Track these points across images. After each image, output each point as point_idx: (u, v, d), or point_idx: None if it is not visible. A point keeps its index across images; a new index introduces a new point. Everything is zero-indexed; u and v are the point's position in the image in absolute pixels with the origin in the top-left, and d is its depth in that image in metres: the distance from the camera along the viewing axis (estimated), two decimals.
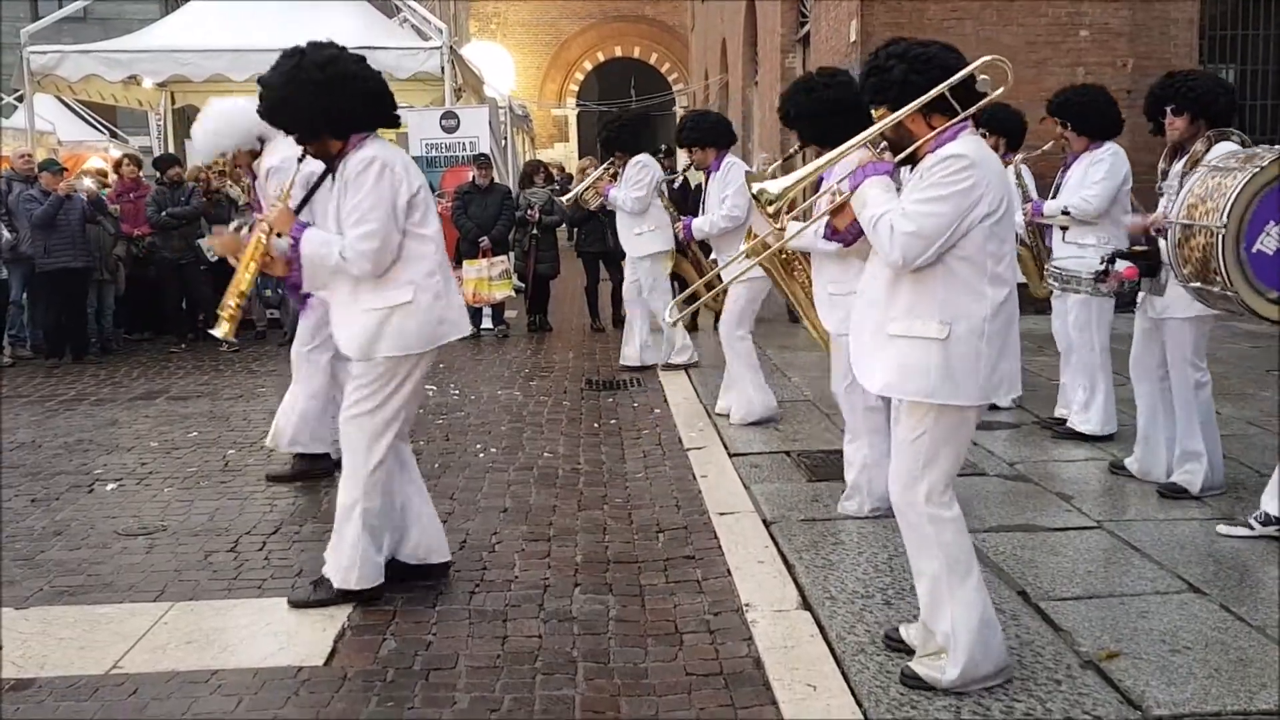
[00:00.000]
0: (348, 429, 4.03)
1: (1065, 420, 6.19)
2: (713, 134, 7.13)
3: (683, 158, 9.10)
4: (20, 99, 14.04)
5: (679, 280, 9.18)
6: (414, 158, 7.97)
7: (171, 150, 12.95)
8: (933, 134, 3.15)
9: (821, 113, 4.68)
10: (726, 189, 6.84)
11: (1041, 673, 3.36)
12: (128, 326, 11.10)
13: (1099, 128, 5.82)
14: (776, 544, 4.61)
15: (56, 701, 3.41)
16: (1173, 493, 5.00)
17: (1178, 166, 4.76)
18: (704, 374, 8.15)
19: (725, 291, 6.79)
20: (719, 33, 22.99)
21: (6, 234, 9.47)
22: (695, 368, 8.47)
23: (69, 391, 8.50)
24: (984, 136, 5.92)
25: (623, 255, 9.02)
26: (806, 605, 3.98)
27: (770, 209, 3.26)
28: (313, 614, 4.03)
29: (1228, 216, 3.82)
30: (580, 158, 19.56)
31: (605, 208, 9.10)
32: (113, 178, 11.97)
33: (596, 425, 6.99)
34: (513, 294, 10.98)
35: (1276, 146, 4.17)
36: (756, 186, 3.26)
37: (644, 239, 8.43)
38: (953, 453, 3.21)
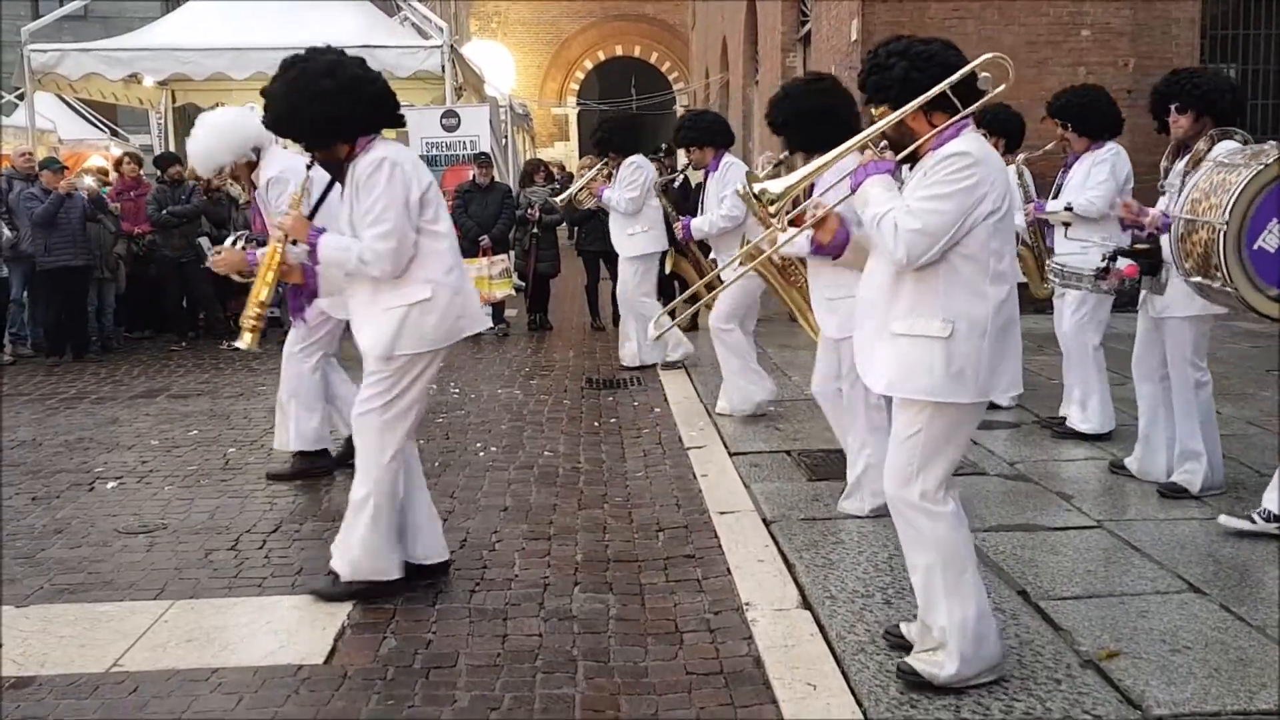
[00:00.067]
0: (361, 424, 4.04)
1: (1066, 419, 6.19)
2: (710, 133, 7.13)
3: (683, 157, 9.10)
4: (21, 97, 14.04)
5: (679, 280, 9.18)
6: None
7: (172, 148, 12.94)
8: (934, 132, 3.15)
9: (808, 118, 4.69)
10: (725, 189, 6.84)
11: (1041, 672, 3.36)
12: (128, 325, 11.11)
13: (1100, 128, 5.83)
14: (777, 543, 4.61)
15: (57, 699, 3.41)
16: (1173, 492, 5.00)
17: (1180, 165, 4.76)
18: (704, 373, 8.15)
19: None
20: (719, 31, 22.99)
21: (7, 232, 9.47)
22: (695, 367, 8.47)
23: (69, 389, 8.50)
24: (984, 136, 5.93)
25: None
26: (806, 604, 3.98)
27: (772, 209, 3.26)
28: (313, 612, 4.03)
29: (1230, 213, 3.82)
30: (581, 157, 19.58)
31: (598, 208, 9.11)
32: (113, 176, 11.98)
33: (597, 424, 6.99)
34: (513, 293, 10.99)
35: None
36: (758, 186, 3.26)
37: (636, 239, 8.45)
38: (950, 451, 3.20)
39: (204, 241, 8.61)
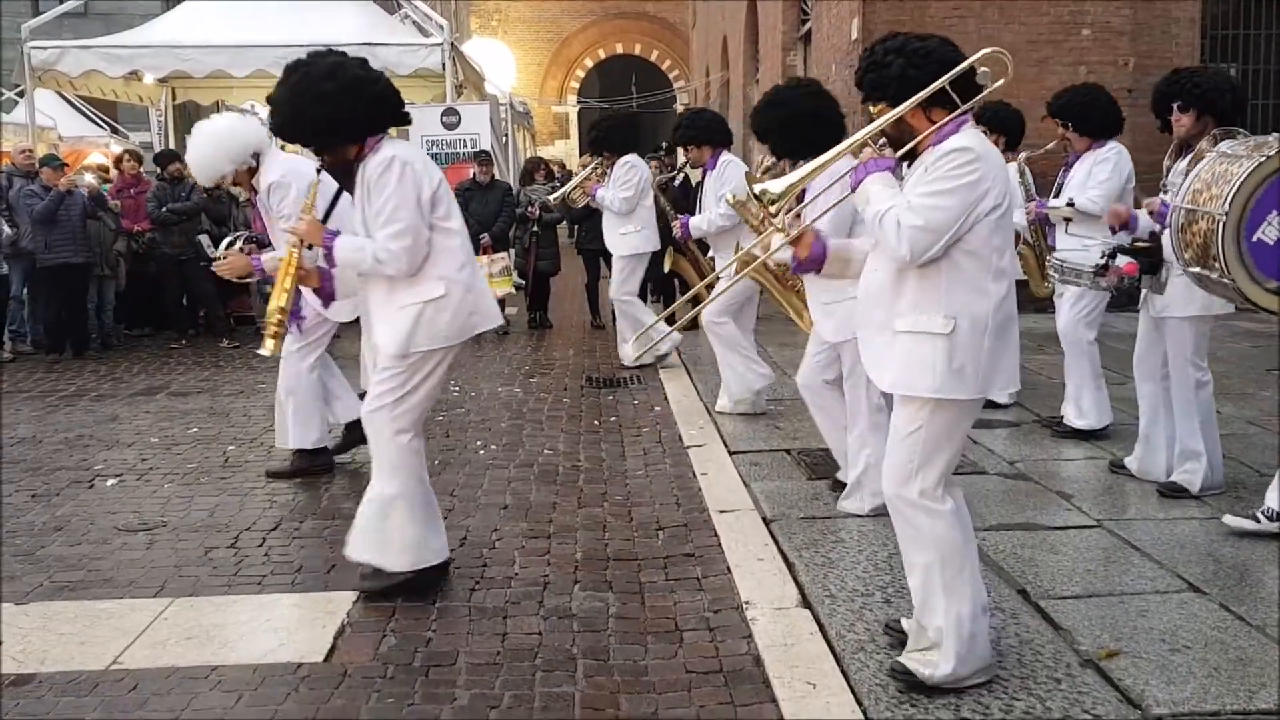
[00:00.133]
0: (374, 420, 4.05)
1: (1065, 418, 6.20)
2: (707, 132, 7.14)
3: (682, 156, 9.11)
4: (21, 94, 14.03)
5: (679, 280, 9.17)
6: None
7: (172, 146, 12.95)
8: (933, 128, 3.14)
9: (793, 124, 4.69)
10: (723, 187, 6.85)
11: (1041, 671, 3.36)
12: (128, 322, 11.11)
13: (1101, 127, 5.83)
14: (776, 542, 4.61)
15: (56, 697, 3.41)
16: (1173, 492, 5.00)
17: (1182, 164, 4.76)
18: (704, 372, 8.15)
19: None
20: (720, 30, 22.98)
21: (7, 229, 9.47)
22: (695, 366, 8.46)
23: (69, 387, 8.50)
24: (984, 133, 5.93)
25: None
26: (806, 603, 3.98)
27: (773, 208, 3.25)
28: (312, 610, 4.04)
29: (1230, 204, 3.81)
30: (581, 155, 19.55)
31: (591, 206, 9.13)
32: (114, 173, 11.98)
33: (597, 422, 6.99)
34: (513, 291, 10.98)
35: None
36: (758, 187, 3.26)
37: (629, 239, 8.47)
38: (949, 448, 3.20)
39: (204, 239, 8.61)
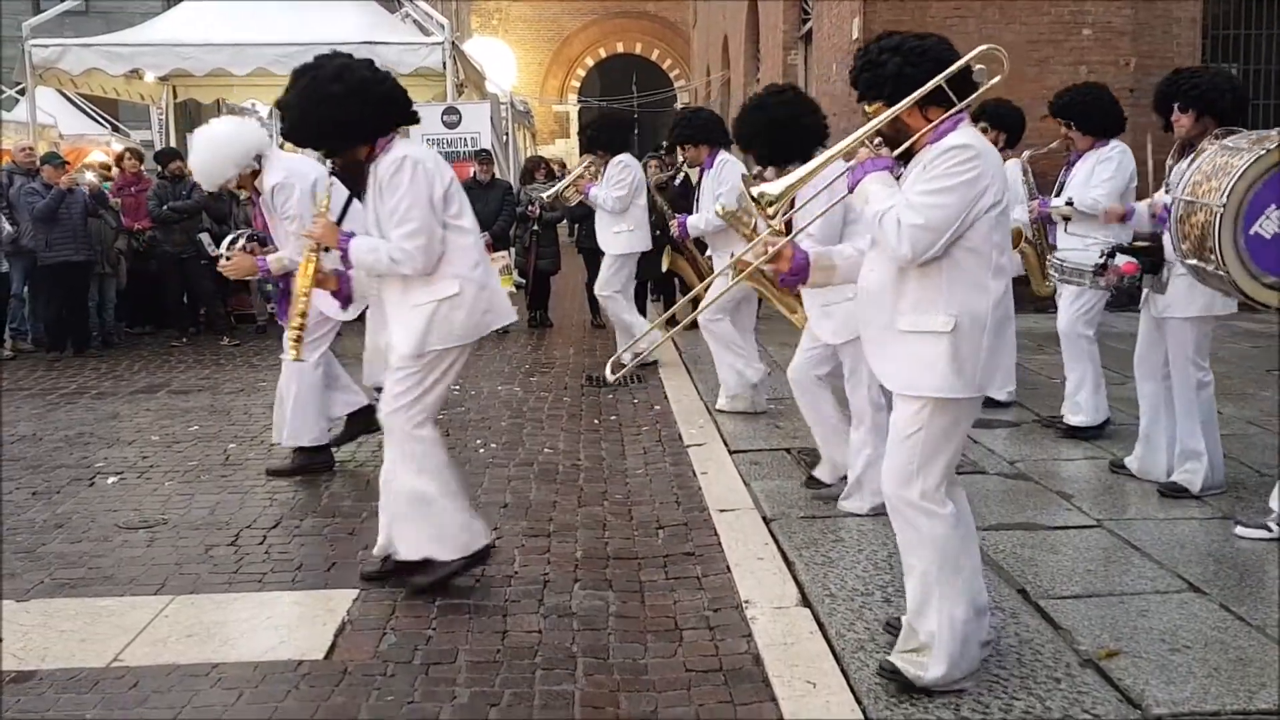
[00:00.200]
0: (393, 421, 4.05)
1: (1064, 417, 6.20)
2: (704, 131, 7.14)
3: (681, 155, 9.11)
4: (22, 92, 14.04)
5: (678, 279, 9.17)
6: None
7: (173, 144, 12.94)
8: (930, 126, 3.13)
9: (775, 131, 4.70)
10: (720, 186, 6.85)
11: (1041, 671, 3.36)
12: (129, 320, 11.12)
13: (1103, 126, 5.83)
14: (776, 541, 4.61)
15: (57, 694, 3.42)
16: (1173, 492, 5.00)
17: (1183, 165, 4.76)
18: (704, 372, 8.14)
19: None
20: (721, 29, 22.98)
21: (8, 227, 9.47)
22: (695, 365, 8.47)
23: (70, 385, 8.51)
24: (984, 131, 5.93)
25: None
26: (806, 602, 3.98)
27: (771, 210, 3.24)
28: (313, 608, 4.05)
29: (1228, 196, 3.81)
30: (581, 154, 19.55)
31: (583, 205, 9.14)
32: (114, 171, 11.98)
33: (597, 421, 7.00)
34: (513, 290, 10.97)
35: None
36: (756, 190, 3.25)
37: (622, 238, 8.47)
38: (949, 448, 3.19)
39: (205, 237, 8.62)
